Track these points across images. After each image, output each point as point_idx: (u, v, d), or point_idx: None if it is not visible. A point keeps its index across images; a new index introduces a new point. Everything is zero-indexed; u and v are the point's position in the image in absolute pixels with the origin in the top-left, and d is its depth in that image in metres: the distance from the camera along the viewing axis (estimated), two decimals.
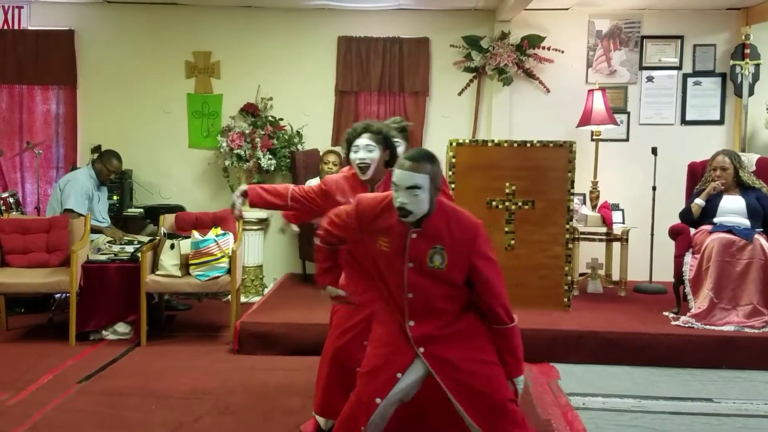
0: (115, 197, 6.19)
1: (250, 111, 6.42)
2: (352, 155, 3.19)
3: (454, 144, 5.14)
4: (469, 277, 2.60)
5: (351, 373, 2.92)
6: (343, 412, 2.73)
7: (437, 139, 6.09)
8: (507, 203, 5.11)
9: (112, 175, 5.76)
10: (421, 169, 2.50)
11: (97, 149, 6.50)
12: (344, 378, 3.07)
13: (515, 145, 5.17)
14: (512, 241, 5.11)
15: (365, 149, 3.15)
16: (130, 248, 5.17)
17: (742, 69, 6.24)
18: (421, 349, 2.61)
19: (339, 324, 3.20)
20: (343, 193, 3.21)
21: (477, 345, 2.62)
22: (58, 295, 5.44)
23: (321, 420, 3.26)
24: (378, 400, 2.59)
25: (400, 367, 2.62)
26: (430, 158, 2.56)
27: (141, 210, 6.32)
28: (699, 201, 5.09)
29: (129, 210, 6.36)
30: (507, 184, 5.12)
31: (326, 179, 3.31)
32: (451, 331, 2.61)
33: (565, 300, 5.14)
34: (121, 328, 4.97)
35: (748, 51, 6.22)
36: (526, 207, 5.11)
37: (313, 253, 2.94)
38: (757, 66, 6.27)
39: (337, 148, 6.16)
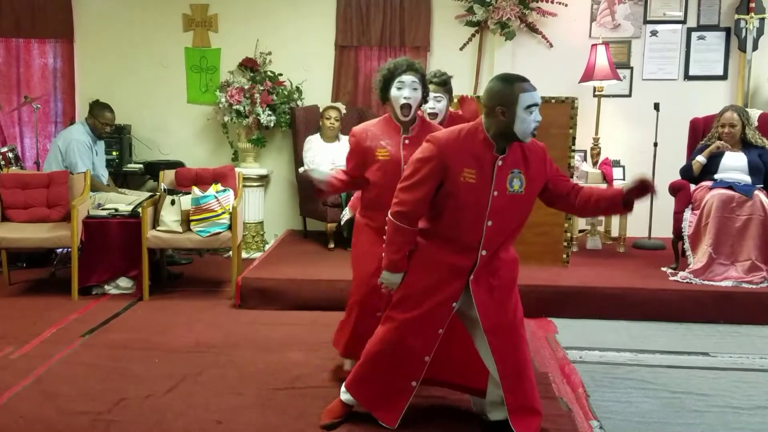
0: (114, 153, 6.19)
1: (249, 66, 6.34)
2: (395, 92, 3.02)
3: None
4: (544, 189, 2.79)
5: (372, 318, 3.00)
6: (383, 360, 2.77)
7: None
8: None
9: (107, 128, 5.70)
10: None
11: (95, 104, 6.45)
12: (368, 322, 3.06)
13: None
14: None
15: (410, 87, 3.01)
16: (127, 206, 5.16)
17: (746, 23, 6.15)
18: (472, 277, 2.68)
19: (361, 271, 3.14)
20: (374, 138, 3.09)
21: (512, 275, 2.80)
22: (59, 250, 5.47)
23: (346, 361, 3.31)
24: (426, 359, 2.74)
25: (440, 322, 2.71)
26: None
27: (140, 166, 6.30)
28: (701, 158, 5.07)
29: (128, 165, 6.35)
30: None
31: (353, 130, 3.18)
32: (502, 257, 2.74)
33: (564, 256, 5.17)
34: (124, 282, 5.00)
35: (753, 5, 6.12)
36: None
37: (386, 239, 2.71)
38: (762, 20, 6.18)
39: (338, 104, 6.11)
